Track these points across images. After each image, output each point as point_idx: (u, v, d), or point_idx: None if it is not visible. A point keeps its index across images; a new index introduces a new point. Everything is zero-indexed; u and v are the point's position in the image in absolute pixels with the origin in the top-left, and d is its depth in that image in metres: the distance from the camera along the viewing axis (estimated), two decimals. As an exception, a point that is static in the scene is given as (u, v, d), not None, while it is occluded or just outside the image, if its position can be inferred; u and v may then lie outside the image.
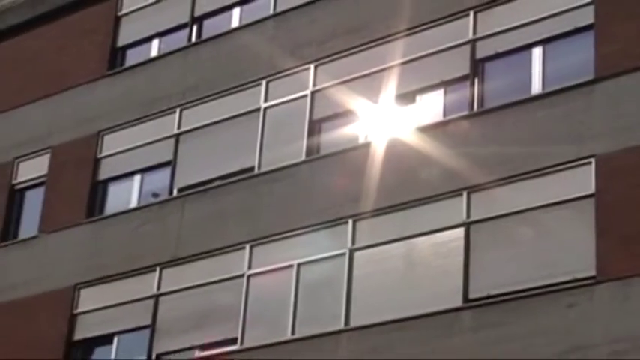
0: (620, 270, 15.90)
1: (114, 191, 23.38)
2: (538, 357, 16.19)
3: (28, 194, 24.72)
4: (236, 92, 21.82)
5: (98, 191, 23.42)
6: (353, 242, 18.97)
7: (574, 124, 17.29)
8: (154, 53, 23.97)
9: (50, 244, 23.38)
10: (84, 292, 22.31)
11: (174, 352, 20.70)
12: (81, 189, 23.43)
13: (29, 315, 22.59)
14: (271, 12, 22.01)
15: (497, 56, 18.76)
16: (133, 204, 22.83)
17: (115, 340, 21.69)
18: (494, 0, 18.83)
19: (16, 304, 23.01)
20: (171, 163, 22.31)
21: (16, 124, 25.25)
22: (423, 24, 19.61)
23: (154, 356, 20.81)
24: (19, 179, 24.89)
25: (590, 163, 16.83)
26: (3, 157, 25.08)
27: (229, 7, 23.06)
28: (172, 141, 22.44)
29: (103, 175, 23.50)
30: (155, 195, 22.46)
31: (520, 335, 16.49)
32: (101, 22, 24.72)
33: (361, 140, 19.81)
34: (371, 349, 17.94)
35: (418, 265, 18.24)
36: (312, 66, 20.83)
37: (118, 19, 24.59)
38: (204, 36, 23.22)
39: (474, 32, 18.96)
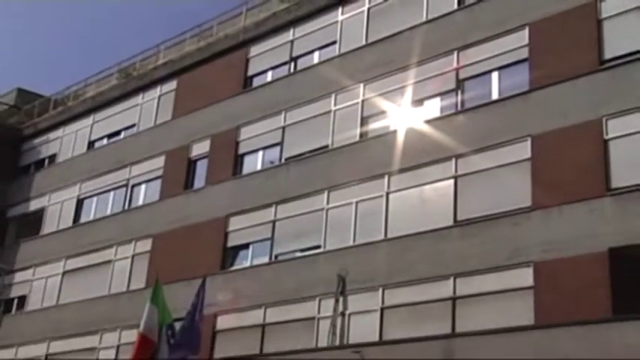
0: (545, 203, 16.05)
1: (247, 160, 23.02)
2: (496, 254, 16.33)
3: (199, 163, 24.38)
4: (317, 101, 21.54)
5: (238, 161, 23.16)
6: (388, 188, 18.96)
7: (518, 117, 17.28)
8: (269, 79, 23.59)
9: (212, 191, 23.34)
10: (232, 219, 22.28)
11: (286, 253, 20.70)
12: (228, 159, 23.30)
13: (201, 234, 22.72)
14: (337, 53, 21.80)
15: (472, 77, 18.59)
16: (259, 167, 22.60)
17: (251, 247, 21.72)
18: (470, 44, 18.70)
19: (193, 227, 23.16)
20: (280, 144, 22.18)
21: (192, 121, 25.00)
22: (427, 59, 19.42)
23: (273, 255, 20.94)
24: (193, 154, 24.50)
25: (527, 140, 16.85)
26: (184, 141, 24.83)
27: (312, 51, 22.65)
28: (280, 130, 22.24)
29: (240, 151, 23.22)
30: (271, 162, 22.27)
31: (486, 241, 16.64)
32: (237, 62, 24.36)
33: (391, 128, 19.66)
34: (400, 250, 18.05)
35: (426, 201, 18.25)
36: (362, 85, 20.62)
37: (247, 62, 24.17)
38: (299, 68, 22.94)
39: (458, 63, 18.81)
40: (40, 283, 28.03)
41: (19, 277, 28.98)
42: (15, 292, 28.95)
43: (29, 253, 29.06)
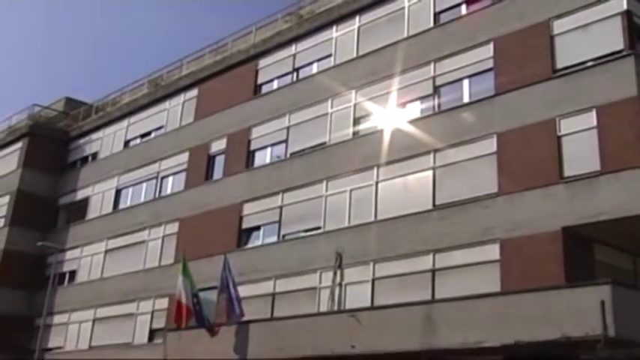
0: (509, 189, 16.02)
1: (258, 156, 22.85)
2: (468, 233, 16.27)
3: (217, 158, 24.17)
4: (316, 105, 21.35)
5: (250, 156, 22.96)
6: (377, 178, 18.89)
7: (484, 117, 17.19)
8: (275, 87, 23.30)
9: (228, 182, 23.07)
10: (246, 205, 22.20)
11: (292, 233, 20.65)
12: (242, 154, 23.11)
13: (220, 217, 22.61)
14: (332, 65, 21.63)
15: (446, 84, 18.45)
16: (267, 161, 22.44)
17: (262, 229, 21.63)
18: (444, 56, 18.54)
19: (213, 212, 22.91)
20: (285, 141, 22.00)
21: (211, 123, 24.74)
22: (408, 68, 19.29)
23: (281, 236, 20.79)
24: (212, 150, 24.28)
25: (493, 137, 16.79)
26: (204, 140, 24.71)
27: (311, 63, 22.46)
28: (286, 130, 22.08)
29: (252, 147, 23.00)
30: (278, 157, 22.13)
31: (460, 222, 16.62)
32: (248, 72, 24.20)
33: (379, 127, 19.48)
34: (388, 230, 18.00)
35: (410, 189, 18.17)
36: (354, 91, 20.48)
37: (256, 72, 23.94)
38: (300, 77, 22.68)
39: (434, 72, 18.68)
40: (87, 260, 28.10)
41: (69, 255, 29.03)
42: (67, 268, 29.00)
43: (77, 235, 29.10)
